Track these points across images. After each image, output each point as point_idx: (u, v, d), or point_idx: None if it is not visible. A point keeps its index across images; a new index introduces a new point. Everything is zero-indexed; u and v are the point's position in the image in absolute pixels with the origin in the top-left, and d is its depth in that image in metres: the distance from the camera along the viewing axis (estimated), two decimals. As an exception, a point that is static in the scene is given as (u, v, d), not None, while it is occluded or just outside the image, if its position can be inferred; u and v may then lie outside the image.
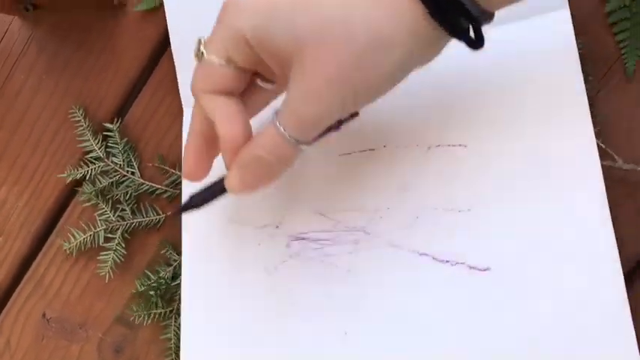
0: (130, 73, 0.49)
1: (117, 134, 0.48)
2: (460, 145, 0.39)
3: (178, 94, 0.47)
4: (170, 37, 0.46)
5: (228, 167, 0.32)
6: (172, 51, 0.46)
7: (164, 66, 0.48)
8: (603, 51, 0.38)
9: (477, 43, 0.29)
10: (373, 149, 0.41)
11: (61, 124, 0.51)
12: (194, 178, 0.35)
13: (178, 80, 0.46)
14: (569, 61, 0.37)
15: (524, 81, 0.38)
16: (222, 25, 0.29)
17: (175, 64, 0.46)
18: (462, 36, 0.29)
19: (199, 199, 0.35)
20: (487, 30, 0.37)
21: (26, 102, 0.52)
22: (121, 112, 0.50)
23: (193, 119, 0.34)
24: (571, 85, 0.36)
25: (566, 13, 0.37)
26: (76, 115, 0.49)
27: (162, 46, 0.49)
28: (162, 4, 0.46)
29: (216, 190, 0.34)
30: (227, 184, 0.32)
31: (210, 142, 0.33)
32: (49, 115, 0.51)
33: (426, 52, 0.30)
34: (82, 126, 0.49)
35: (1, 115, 0.52)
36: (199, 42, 0.30)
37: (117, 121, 0.49)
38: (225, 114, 0.30)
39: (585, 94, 0.36)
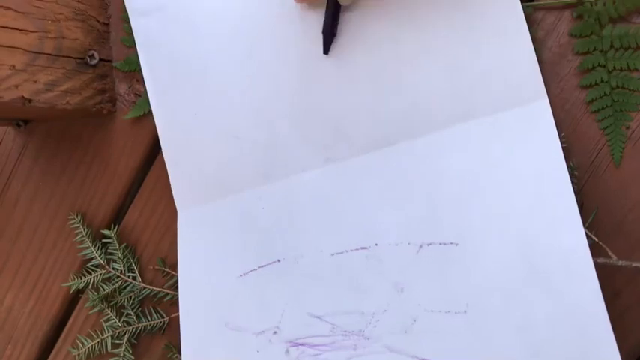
0: (124, 179, 0.50)
1: (115, 240, 0.49)
2: (452, 243, 0.39)
3: (172, 196, 0.47)
4: (161, 142, 0.47)
5: None
6: (164, 156, 0.47)
7: (157, 170, 0.49)
8: (588, 139, 0.38)
9: None
10: (365, 247, 0.41)
11: (60, 232, 0.51)
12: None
13: (171, 183, 0.47)
14: (551, 151, 0.37)
15: (510, 175, 0.38)
16: None
17: (168, 168, 0.47)
18: None
19: (329, 29, 0.41)
20: (468, 126, 0.38)
21: (24, 211, 0.53)
22: (118, 216, 0.51)
23: None
24: (555, 175, 0.37)
25: (545, 103, 0.37)
26: (74, 222, 0.50)
27: (154, 150, 0.49)
28: (150, 111, 0.47)
29: (334, 11, 0.40)
30: None
31: None
32: (47, 223, 0.52)
33: None
34: (81, 233, 0.50)
35: (1, 224, 0.53)
36: None
37: (114, 227, 0.49)
38: None
39: (570, 183, 0.36)
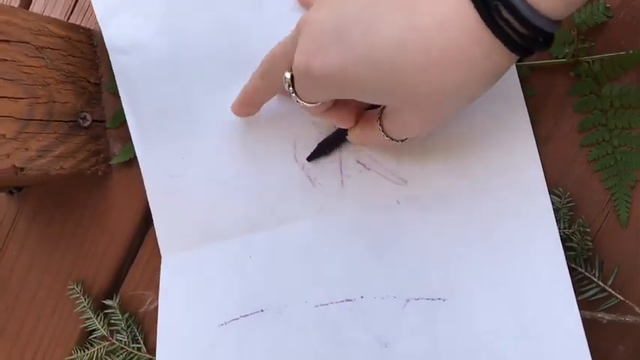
0: (123, 239, 0.48)
1: (118, 310, 0.47)
2: (440, 299, 0.37)
3: (173, 256, 0.45)
4: (145, 185, 0.45)
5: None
6: (148, 199, 0.45)
7: (153, 236, 0.47)
8: (596, 196, 0.36)
9: (542, 43, 0.27)
10: (350, 300, 0.39)
11: (59, 298, 0.49)
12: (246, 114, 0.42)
13: (156, 228, 0.45)
14: (544, 218, 0.36)
15: (501, 238, 0.37)
16: (306, 91, 0.33)
17: (152, 213, 0.45)
18: (514, 41, 0.26)
19: (325, 147, 0.41)
20: (460, 185, 0.37)
21: (21, 278, 0.51)
22: (118, 278, 0.49)
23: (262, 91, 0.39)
24: (548, 243, 0.35)
25: (538, 169, 0.36)
26: (74, 292, 0.48)
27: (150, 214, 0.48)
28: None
29: (339, 137, 0.40)
30: (350, 139, 0.39)
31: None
32: (45, 291, 0.50)
33: (500, 66, 0.28)
34: (82, 303, 0.48)
35: (-3, 293, 0.51)
36: (288, 84, 0.33)
37: (116, 296, 0.47)
38: (337, 120, 0.37)
39: (562, 251, 0.35)
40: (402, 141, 0.36)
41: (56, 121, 0.44)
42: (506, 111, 0.37)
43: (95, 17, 0.48)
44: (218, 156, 0.43)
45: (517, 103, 0.37)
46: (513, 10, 0.25)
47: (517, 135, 0.37)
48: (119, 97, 0.47)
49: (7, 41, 0.40)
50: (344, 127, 0.38)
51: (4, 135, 0.39)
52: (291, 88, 0.33)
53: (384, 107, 0.34)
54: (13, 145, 0.40)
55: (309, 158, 0.41)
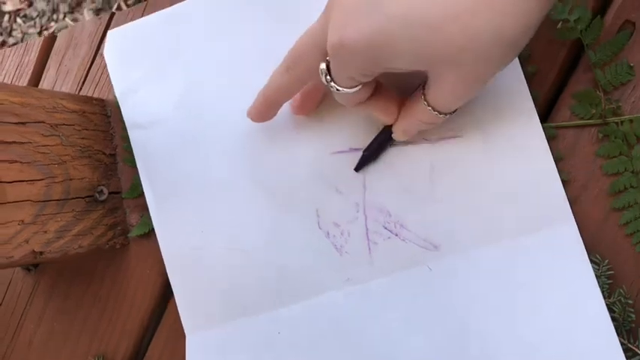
0: (142, 311, 0.47)
1: (140, 385, 0.45)
2: None
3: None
4: (165, 261, 0.44)
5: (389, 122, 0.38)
6: (169, 276, 0.44)
7: (174, 306, 0.46)
8: (629, 264, 0.35)
9: None
10: None
11: (79, 375, 0.48)
12: (263, 118, 0.41)
13: (178, 305, 0.44)
14: (583, 276, 0.35)
15: (540, 302, 0.36)
16: (343, 67, 0.32)
17: (174, 290, 0.44)
18: None
19: (372, 151, 0.40)
20: (493, 249, 0.36)
21: (39, 354, 0.49)
22: (138, 355, 0.47)
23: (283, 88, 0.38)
24: (589, 303, 0.35)
25: (572, 226, 0.36)
26: (94, 366, 0.47)
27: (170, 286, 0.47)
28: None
29: (383, 139, 0.39)
30: (395, 135, 0.38)
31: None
32: (65, 367, 0.49)
33: (532, 12, 0.28)
34: (103, 380, 0.46)
35: (16, 371, 0.50)
36: (325, 73, 0.33)
37: (137, 371, 0.46)
38: (379, 111, 0.37)
39: (605, 309, 0.34)
40: (452, 113, 0.34)
41: (73, 198, 0.43)
42: (535, 168, 0.37)
43: (108, 85, 0.48)
44: (239, 228, 0.42)
45: (546, 162, 0.37)
46: None
47: (548, 192, 0.36)
48: (135, 166, 0.46)
49: (23, 123, 0.40)
50: (386, 120, 0.37)
51: (22, 220, 0.38)
52: (328, 77, 0.33)
53: (426, 82, 0.33)
54: (31, 229, 0.39)
55: (357, 168, 0.40)
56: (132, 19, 0.48)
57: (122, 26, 0.46)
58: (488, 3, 0.27)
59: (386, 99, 0.36)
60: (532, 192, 0.37)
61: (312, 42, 0.34)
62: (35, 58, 0.51)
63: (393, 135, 0.38)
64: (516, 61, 0.37)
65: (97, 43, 0.49)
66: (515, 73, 0.37)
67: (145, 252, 0.47)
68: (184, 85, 0.44)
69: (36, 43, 0.51)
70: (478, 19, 0.27)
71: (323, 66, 0.33)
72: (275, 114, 0.40)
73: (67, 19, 1.66)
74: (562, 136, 0.37)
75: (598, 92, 0.36)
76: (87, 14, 1.62)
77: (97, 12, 1.61)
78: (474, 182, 0.38)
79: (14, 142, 0.39)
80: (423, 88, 0.33)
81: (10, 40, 1.74)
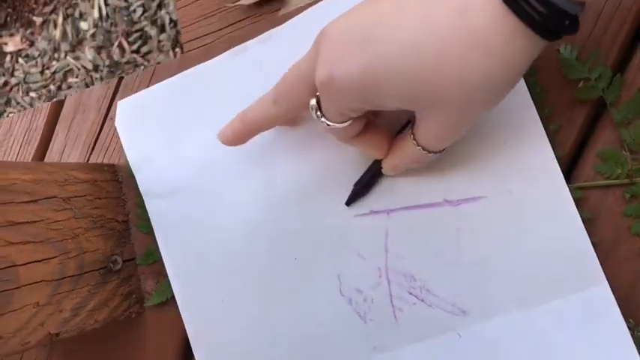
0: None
1: None
2: None
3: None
4: (187, 332, 0.43)
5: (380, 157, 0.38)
6: (192, 347, 0.43)
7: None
8: None
9: (567, 27, 0.27)
10: None
11: None
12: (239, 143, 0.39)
13: None
14: (619, 340, 0.34)
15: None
16: (332, 103, 0.32)
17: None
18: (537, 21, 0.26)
19: (362, 185, 0.39)
20: (525, 314, 0.35)
21: None
22: None
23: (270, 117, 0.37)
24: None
25: (605, 288, 0.34)
26: None
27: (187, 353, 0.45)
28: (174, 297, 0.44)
29: (374, 174, 0.39)
30: (385, 171, 0.38)
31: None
32: None
33: (524, 54, 0.28)
34: None
35: None
36: (315, 109, 0.33)
37: None
38: (369, 146, 0.37)
39: None
40: (441, 152, 0.34)
41: (87, 272, 0.42)
42: (564, 230, 0.36)
43: (118, 150, 0.48)
44: (261, 298, 0.41)
45: (575, 223, 0.35)
46: None
47: (578, 254, 0.35)
48: (148, 232, 0.45)
49: (35, 201, 0.39)
50: (376, 155, 0.37)
51: (37, 303, 0.37)
52: (318, 113, 0.33)
53: (414, 121, 0.33)
54: (46, 310, 0.38)
55: (347, 203, 0.40)
56: (140, 83, 0.47)
57: (133, 96, 0.46)
58: (477, 46, 0.26)
59: (376, 134, 0.36)
60: (562, 254, 0.35)
61: (300, 77, 0.33)
62: (43, 124, 0.51)
63: (382, 170, 0.38)
64: (537, 119, 0.36)
65: (106, 108, 0.48)
66: (537, 131, 0.36)
67: (162, 320, 0.46)
68: (201, 153, 0.44)
69: (44, 109, 0.51)
70: (468, 65, 0.27)
71: (313, 102, 0.33)
72: (247, 140, 0.39)
73: (68, 57, 1.67)
74: (587, 196, 0.36)
75: (624, 152, 0.35)
76: (88, 52, 1.63)
77: (98, 50, 1.62)
78: (502, 245, 0.37)
79: (26, 222, 0.38)
80: (412, 127, 0.33)
81: (13, 81, 1.75)
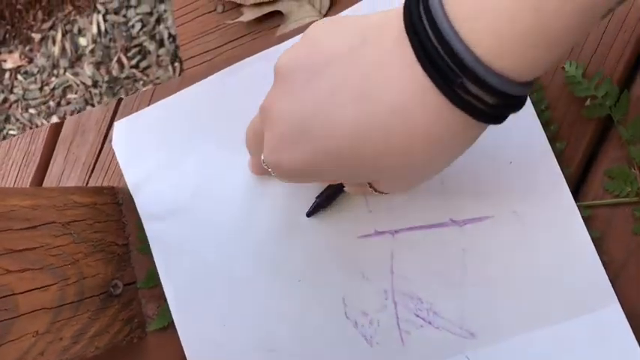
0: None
1: None
2: None
3: None
4: (187, 357, 0.42)
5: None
6: None
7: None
8: None
9: (495, 117, 0.26)
10: None
11: None
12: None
13: None
14: (631, 357, 0.33)
15: None
16: (284, 180, 0.33)
17: None
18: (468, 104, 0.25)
19: (324, 198, 0.39)
20: (535, 336, 0.34)
21: None
22: None
23: None
24: None
25: (616, 308, 0.34)
26: None
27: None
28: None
29: (337, 188, 0.39)
30: (347, 189, 0.37)
31: None
32: None
33: (469, 137, 0.28)
34: None
35: None
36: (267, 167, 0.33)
37: None
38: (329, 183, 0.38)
39: None
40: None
41: (88, 297, 0.41)
42: (574, 249, 0.35)
43: (118, 172, 0.47)
44: (262, 322, 0.40)
45: (584, 243, 0.35)
46: (482, 83, 0.23)
47: (588, 273, 0.34)
48: (149, 255, 0.45)
49: (34, 227, 0.38)
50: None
51: (37, 332, 0.37)
52: (270, 170, 0.33)
53: None
54: (46, 339, 0.37)
55: (309, 214, 0.40)
56: (139, 104, 0.47)
57: (129, 116, 0.45)
58: (419, 140, 0.26)
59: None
60: (572, 274, 0.35)
61: (254, 141, 0.36)
62: (42, 146, 0.50)
63: (345, 189, 0.37)
64: (544, 136, 0.36)
65: (105, 129, 0.48)
66: (544, 149, 0.36)
67: (164, 343, 0.45)
68: (200, 174, 0.43)
69: (42, 131, 0.50)
70: (409, 157, 0.27)
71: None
72: None
73: (67, 73, 1.67)
74: (595, 215, 0.35)
75: (633, 170, 0.34)
76: (87, 68, 1.63)
77: (97, 66, 1.62)
78: (510, 265, 0.36)
79: (25, 249, 0.37)
80: None
81: (12, 97, 1.75)
